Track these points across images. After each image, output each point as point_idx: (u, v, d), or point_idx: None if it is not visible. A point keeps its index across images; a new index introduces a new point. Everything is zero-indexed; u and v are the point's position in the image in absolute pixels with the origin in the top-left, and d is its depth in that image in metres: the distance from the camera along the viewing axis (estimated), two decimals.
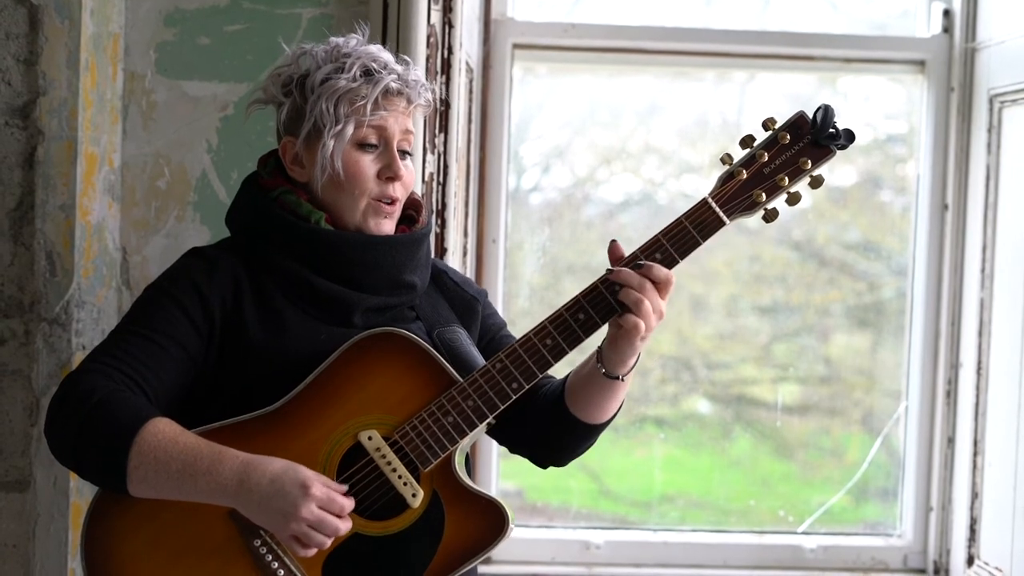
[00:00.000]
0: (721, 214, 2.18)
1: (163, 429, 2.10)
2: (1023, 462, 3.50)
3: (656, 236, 2.19)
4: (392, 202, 2.31)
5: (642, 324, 2.14)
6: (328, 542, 2.10)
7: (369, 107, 2.25)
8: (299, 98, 2.29)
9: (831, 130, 2.19)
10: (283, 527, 2.08)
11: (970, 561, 3.72)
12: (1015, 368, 3.54)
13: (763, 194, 2.19)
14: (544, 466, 2.47)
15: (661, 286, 2.16)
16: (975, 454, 3.70)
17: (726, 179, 2.20)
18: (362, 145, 2.27)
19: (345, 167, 2.26)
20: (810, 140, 2.19)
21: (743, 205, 2.19)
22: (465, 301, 2.46)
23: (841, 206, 4.07)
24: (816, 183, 2.22)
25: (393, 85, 2.26)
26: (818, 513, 3.97)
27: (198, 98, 3.01)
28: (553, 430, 2.36)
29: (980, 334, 3.69)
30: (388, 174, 2.29)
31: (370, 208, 2.29)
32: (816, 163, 2.19)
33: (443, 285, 2.47)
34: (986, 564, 3.65)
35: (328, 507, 2.09)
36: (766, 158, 2.19)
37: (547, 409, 2.36)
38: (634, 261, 2.18)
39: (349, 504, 2.12)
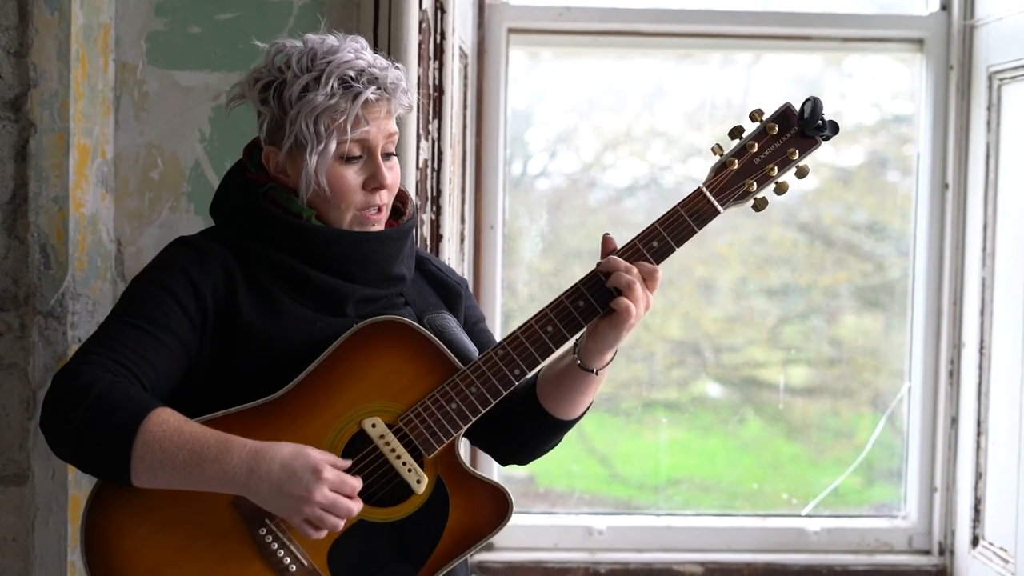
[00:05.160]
0: (716, 203, 2.23)
1: (167, 419, 2.08)
2: None
3: (653, 224, 2.23)
4: (379, 210, 2.30)
5: (633, 308, 2.16)
6: (341, 524, 2.11)
7: (350, 124, 2.21)
8: (277, 110, 2.25)
9: (819, 122, 2.24)
10: (296, 512, 2.08)
11: (975, 542, 3.71)
12: (1018, 347, 3.52)
13: (754, 183, 2.24)
14: (504, 463, 2.48)
15: (648, 279, 2.20)
16: (978, 434, 3.69)
17: (719, 169, 2.25)
18: (346, 159, 2.24)
19: (330, 182, 2.24)
20: (797, 131, 2.25)
21: (736, 194, 2.24)
22: (449, 286, 2.47)
23: (847, 187, 4.06)
24: (802, 173, 2.27)
25: (372, 97, 2.22)
26: (822, 495, 3.97)
27: (190, 88, 3.00)
28: (520, 424, 2.37)
29: (982, 313, 3.68)
30: (374, 184, 2.27)
31: (356, 219, 2.29)
32: (803, 153, 2.25)
33: (426, 272, 2.48)
34: (991, 544, 3.63)
35: (340, 489, 2.09)
36: (756, 148, 2.24)
37: (517, 403, 2.36)
38: (631, 249, 2.22)
39: (358, 484, 2.12)
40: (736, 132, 2.26)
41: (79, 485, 2.88)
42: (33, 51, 2.82)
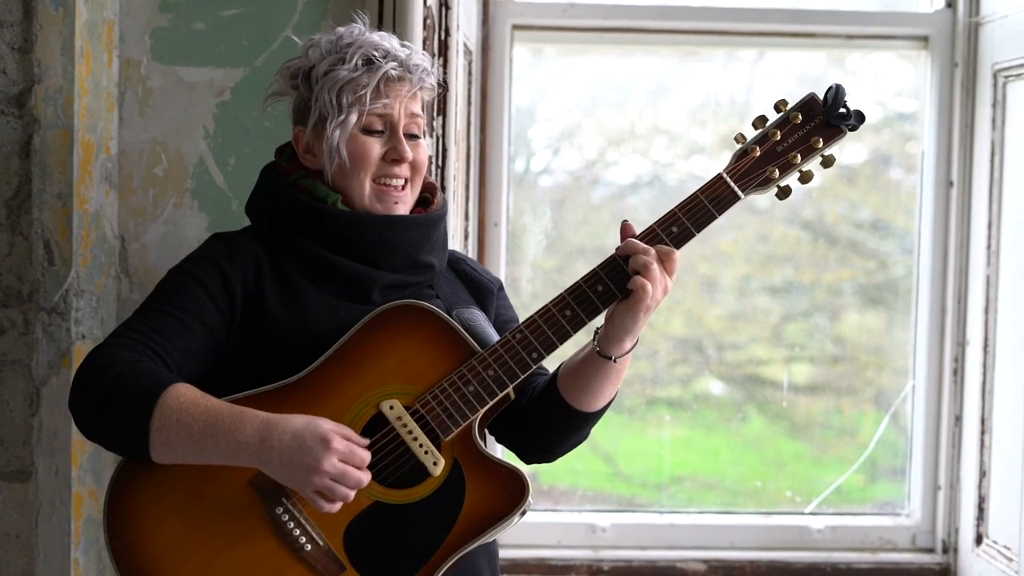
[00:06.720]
0: (736, 189, 2.25)
1: (184, 393, 2.12)
2: None
3: (672, 210, 2.25)
4: (404, 185, 2.37)
5: (649, 287, 2.18)
6: (351, 495, 2.12)
7: (369, 96, 2.30)
8: (305, 90, 2.36)
9: (841, 109, 2.26)
10: (306, 482, 2.10)
11: (979, 540, 3.70)
12: (1022, 345, 3.52)
13: (776, 171, 2.26)
14: (529, 460, 2.48)
15: (665, 260, 2.21)
16: (982, 432, 3.68)
17: (740, 156, 2.28)
18: (368, 131, 2.33)
19: (350, 151, 2.31)
20: (821, 120, 2.27)
21: (757, 181, 2.26)
22: (482, 284, 2.51)
23: (851, 184, 4.05)
24: (828, 162, 2.29)
25: (393, 72, 2.31)
26: (825, 493, 3.96)
27: (194, 84, 3.00)
28: (542, 418, 2.38)
29: (987, 311, 3.67)
30: (393, 156, 2.34)
31: (374, 193, 2.35)
32: (827, 142, 2.27)
33: (461, 272, 2.52)
34: (995, 543, 3.63)
35: (349, 460, 2.11)
36: (779, 137, 2.26)
37: (539, 396, 2.38)
38: (650, 234, 2.24)
39: (367, 456, 2.14)
40: (760, 122, 2.29)
41: (83, 482, 2.88)
42: (37, 47, 2.82)
